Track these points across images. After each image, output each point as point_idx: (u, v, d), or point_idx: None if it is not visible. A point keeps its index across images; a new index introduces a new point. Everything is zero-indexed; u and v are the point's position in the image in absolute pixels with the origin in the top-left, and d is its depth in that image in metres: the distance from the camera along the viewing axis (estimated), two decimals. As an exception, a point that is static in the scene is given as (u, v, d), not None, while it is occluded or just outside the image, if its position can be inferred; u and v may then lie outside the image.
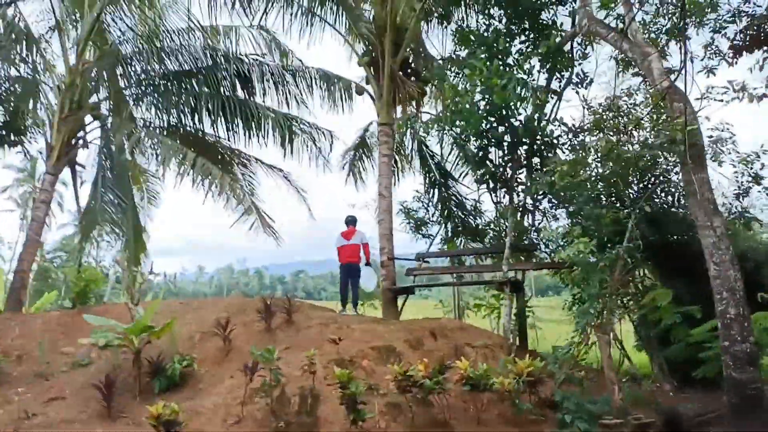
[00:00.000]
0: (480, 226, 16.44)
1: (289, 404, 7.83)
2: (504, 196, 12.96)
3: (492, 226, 16.14)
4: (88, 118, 15.47)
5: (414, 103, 14.83)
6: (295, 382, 8.46)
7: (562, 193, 10.55)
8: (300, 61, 16.08)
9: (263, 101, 15.52)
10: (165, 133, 14.92)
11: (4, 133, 16.22)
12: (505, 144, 11.21)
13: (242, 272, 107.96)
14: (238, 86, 15.39)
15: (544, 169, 10.65)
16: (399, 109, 15.65)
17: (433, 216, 17.06)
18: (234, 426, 7.42)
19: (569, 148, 11.45)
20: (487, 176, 11.66)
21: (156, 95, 15.17)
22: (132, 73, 15.53)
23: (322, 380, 8.53)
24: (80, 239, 14.52)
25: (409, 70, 15.03)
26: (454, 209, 16.78)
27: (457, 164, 17.21)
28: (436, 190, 17.03)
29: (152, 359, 8.80)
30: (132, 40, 15.34)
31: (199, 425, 7.36)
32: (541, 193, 11.28)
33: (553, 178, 9.75)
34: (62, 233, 44.21)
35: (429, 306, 25.27)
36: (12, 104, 15.89)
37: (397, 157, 17.01)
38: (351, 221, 13.14)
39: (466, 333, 11.01)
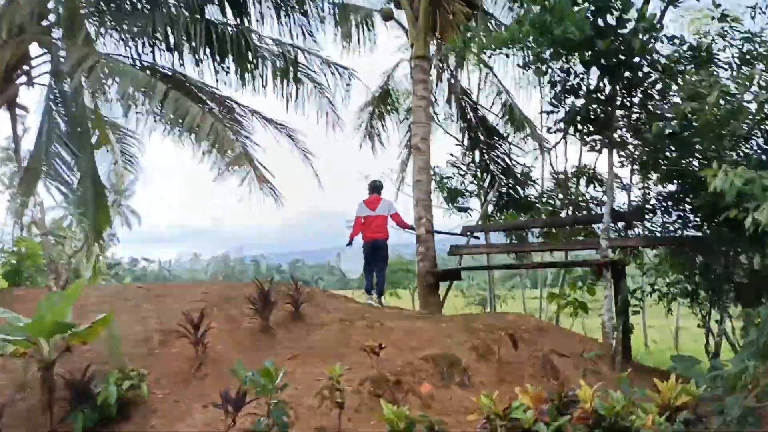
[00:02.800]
0: (531, 198, 13.17)
1: (302, 463, 4.53)
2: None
3: (545, 198, 12.81)
4: (35, 50, 11.91)
5: (460, 30, 11.24)
6: (307, 417, 5.21)
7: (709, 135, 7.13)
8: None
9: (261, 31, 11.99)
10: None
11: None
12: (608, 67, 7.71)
13: (238, 260, 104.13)
14: (229, 10, 11.88)
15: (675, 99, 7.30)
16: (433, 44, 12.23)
17: (470, 185, 13.79)
18: None
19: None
20: (577, 116, 8.13)
21: (121, 20, 11.63)
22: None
23: (353, 415, 5.30)
24: (20, 201, 11.07)
25: (453, -13, 11.51)
26: (500, 176, 13.41)
27: (503, 118, 13.84)
28: (477, 152, 13.65)
29: (75, 377, 5.39)
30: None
31: None
32: (662, 137, 7.73)
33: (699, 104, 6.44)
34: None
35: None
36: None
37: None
38: (376, 188, 10.11)
39: (547, 336, 7.75)
